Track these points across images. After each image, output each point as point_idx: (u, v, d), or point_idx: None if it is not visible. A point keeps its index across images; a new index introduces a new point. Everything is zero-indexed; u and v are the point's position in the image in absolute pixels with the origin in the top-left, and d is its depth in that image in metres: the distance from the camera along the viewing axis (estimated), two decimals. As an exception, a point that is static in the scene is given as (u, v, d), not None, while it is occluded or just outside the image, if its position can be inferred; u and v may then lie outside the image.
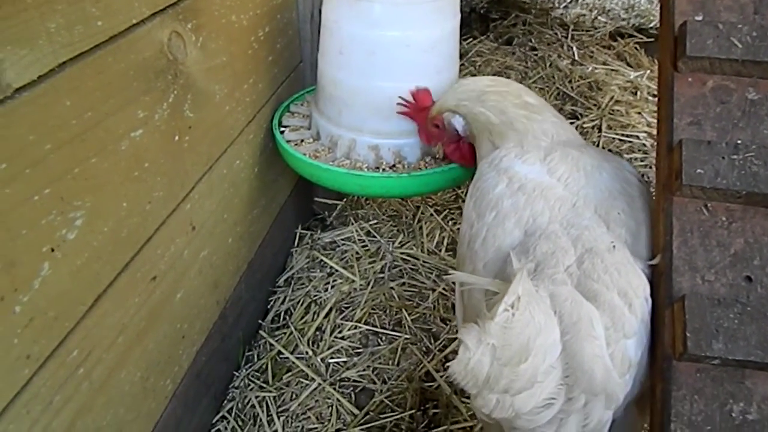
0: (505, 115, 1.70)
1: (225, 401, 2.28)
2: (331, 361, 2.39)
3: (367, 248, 2.88)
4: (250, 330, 2.49)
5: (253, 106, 2.26)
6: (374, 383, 2.30)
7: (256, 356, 2.43)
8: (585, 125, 3.72)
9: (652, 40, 4.69)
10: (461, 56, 4.25)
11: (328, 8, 2.19)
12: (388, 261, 2.79)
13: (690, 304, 1.17)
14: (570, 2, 5.39)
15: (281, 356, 2.41)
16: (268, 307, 2.66)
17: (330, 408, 2.22)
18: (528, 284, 1.19)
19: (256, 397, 2.26)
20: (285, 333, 2.50)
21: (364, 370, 2.34)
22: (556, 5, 5.33)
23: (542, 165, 1.54)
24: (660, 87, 1.51)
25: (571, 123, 3.67)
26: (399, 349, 2.41)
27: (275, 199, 2.62)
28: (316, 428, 2.16)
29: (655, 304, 1.27)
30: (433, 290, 2.66)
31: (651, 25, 4.98)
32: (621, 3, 5.37)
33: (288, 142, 2.34)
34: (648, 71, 4.29)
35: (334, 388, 2.27)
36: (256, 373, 2.37)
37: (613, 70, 4.32)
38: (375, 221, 3.04)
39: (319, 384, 2.28)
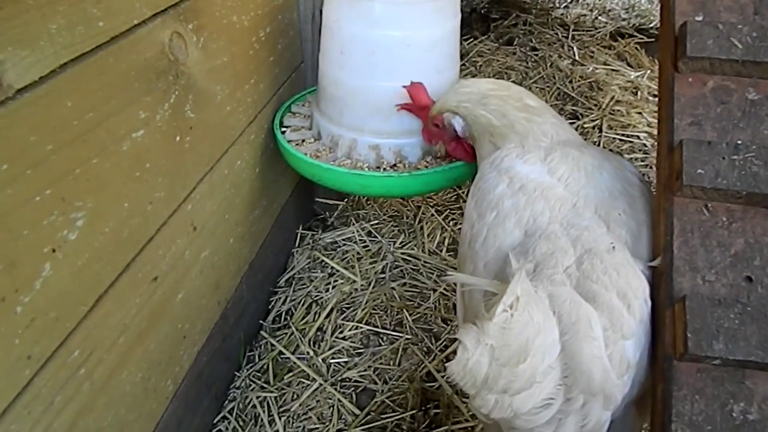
0: (506, 118, 1.72)
1: (226, 401, 2.28)
2: (332, 361, 2.39)
3: (368, 248, 2.88)
4: (251, 330, 2.49)
5: (254, 107, 2.26)
6: (375, 383, 2.30)
7: (257, 356, 2.43)
8: (585, 125, 3.72)
9: (652, 40, 4.69)
10: (462, 56, 4.25)
11: (329, 8, 2.19)
12: (389, 261, 2.80)
13: (691, 305, 1.17)
14: (570, 2, 5.40)
15: (282, 356, 2.41)
16: (270, 307, 2.66)
17: (331, 408, 2.22)
18: (527, 285, 1.19)
19: (258, 397, 2.26)
20: (286, 333, 2.50)
21: (365, 370, 2.35)
22: (557, 5, 5.34)
23: (543, 165, 1.54)
24: (660, 87, 1.51)
25: (572, 123, 3.68)
26: (400, 349, 2.42)
27: (276, 199, 2.62)
28: (317, 428, 2.16)
29: (656, 305, 1.27)
30: (434, 290, 2.66)
31: (651, 25, 4.98)
32: (621, 3, 5.38)
33: (289, 142, 2.34)
34: (648, 71, 4.29)
35: (336, 389, 2.27)
36: (258, 374, 2.37)
37: (613, 70, 4.32)
38: (376, 221, 3.04)
39: (321, 384, 2.28)
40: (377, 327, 2.51)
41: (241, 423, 2.20)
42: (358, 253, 2.84)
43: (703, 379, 1.15)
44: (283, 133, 2.40)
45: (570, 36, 4.75)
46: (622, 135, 3.66)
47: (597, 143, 3.56)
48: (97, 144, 1.36)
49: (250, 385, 2.32)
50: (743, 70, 1.36)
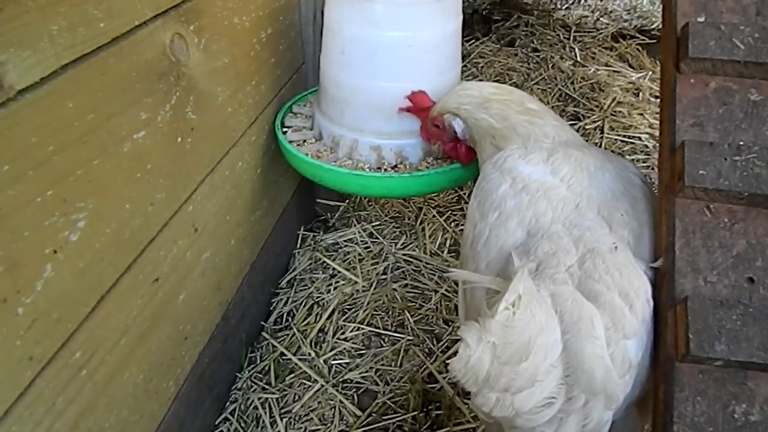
0: (507, 121, 1.73)
1: (228, 403, 2.28)
2: (333, 362, 2.39)
3: (369, 250, 2.88)
4: (252, 331, 2.49)
5: (255, 108, 2.26)
6: (377, 385, 2.30)
7: (258, 358, 2.43)
8: (587, 126, 3.71)
9: (654, 41, 4.69)
10: (463, 57, 4.25)
11: (330, 9, 2.20)
12: (391, 262, 2.79)
13: (692, 306, 1.17)
14: (572, 4, 5.40)
15: (284, 358, 2.41)
16: (271, 308, 2.66)
17: (333, 409, 2.22)
18: (529, 283, 1.19)
19: (259, 398, 2.26)
20: (288, 334, 2.50)
21: (366, 371, 2.34)
22: (559, 7, 5.34)
23: (545, 165, 1.54)
24: (662, 88, 1.51)
25: (574, 124, 3.68)
26: (401, 350, 2.41)
27: (278, 200, 2.62)
28: (318, 430, 2.16)
29: (658, 306, 1.27)
30: (436, 291, 2.66)
31: (653, 27, 4.99)
32: (623, 4, 5.38)
33: (290, 142, 2.34)
34: (650, 72, 4.29)
35: (337, 390, 2.27)
36: (259, 375, 2.37)
37: (615, 71, 4.32)
38: (377, 223, 3.04)
39: (322, 385, 2.28)
40: (379, 328, 2.51)
41: (243, 424, 2.19)
42: (360, 255, 2.84)
43: (704, 381, 1.15)
44: (285, 133, 2.40)
45: (571, 37, 4.75)
46: (624, 136, 3.66)
47: (599, 144, 3.56)
48: (99, 145, 1.36)
49: (252, 387, 2.32)
50: (745, 71, 1.36)
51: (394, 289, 2.66)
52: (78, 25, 1.25)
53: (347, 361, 2.39)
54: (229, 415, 2.23)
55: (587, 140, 3.49)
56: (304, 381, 2.31)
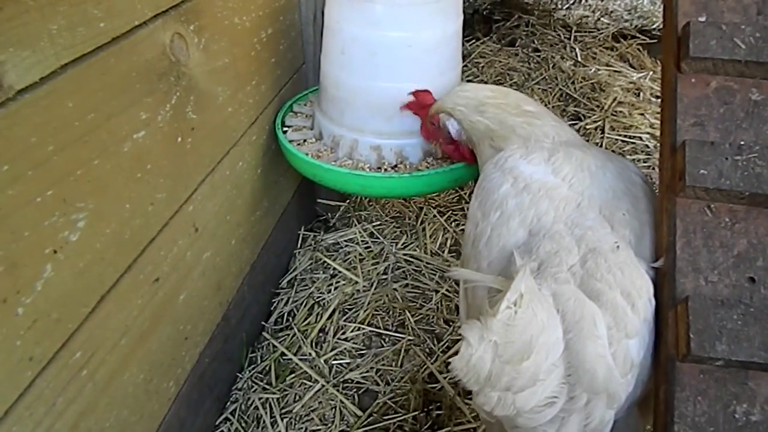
0: (505, 124, 1.73)
1: (228, 403, 2.28)
2: (334, 362, 2.39)
3: (370, 250, 2.88)
4: (253, 331, 2.49)
5: (255, 108, 2.26)
6: (377, 385, 2.30)
7: (259, 358, 2.43)
8: (588, 126, 3.71)
9: (654, 41, 4.69)
10: (464, 58, 4.26)
11: (331, 9, 2.19)
12: (391, 262, 2.79)
13: (693, 306, 1.16)
14: (573, 4, 5.40)
15: (284, 358, 2.41)
16: (271, 308, 2.66)
17: (333, 409, 2.22)
18: (531, 282, 1.19)
19: (260, 398, 2.26)
20: (288, 334, 2.50)
21: (367, 371, 2.34)
22: (559, 7, 5.34)
23: (547, 165, 1.54)
24: (663, 88, 1.51)
25: (574, 124, 3.68)
26: (402, 350, 2.41)
27: (278, 200, 2.62)
28: (319, 430, 2.16)
29: (659, 305, 1.27)
30: (437, 291, 2.66)
31: (653, 27, 4.98)
32: (624, 4, 5.38)
33: (291, 142, 2.34)
34: (651, 72, 4.29)
35: (338, 390, 2.27)
36: (260, 375, 2.36)
37: (615, 71, 4.31)
38: (378, 222, 3.04)
39: (323, 385, 2.28)
40: (379, 328, 2.51)
41: (243, 424, 2.19)
42: (360, 254, 2.84)
43: (705, 380, 1.15)
44: (285, 132, 2.40)
45: (572, 37, 4.75)
46: (625, 136, 3.66)
47: (599, 144, 3.56)
48: (99, 145, 1.36)
49: (252, 387, 2.31)
50: (746, 71, 1.35)
51: (395, 289, 2.66)
52: (78, 24, 1.25)
53: (348, 361, 2.39)
54: (229, 416, 2.22)
55: (588, 140, 3.49)
56: (304, 381, 2.31)
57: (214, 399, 2.16)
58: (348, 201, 3.18)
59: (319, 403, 2.24)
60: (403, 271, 2.76)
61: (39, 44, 1.16)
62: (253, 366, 2.40)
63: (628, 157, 3.43)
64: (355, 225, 3.01)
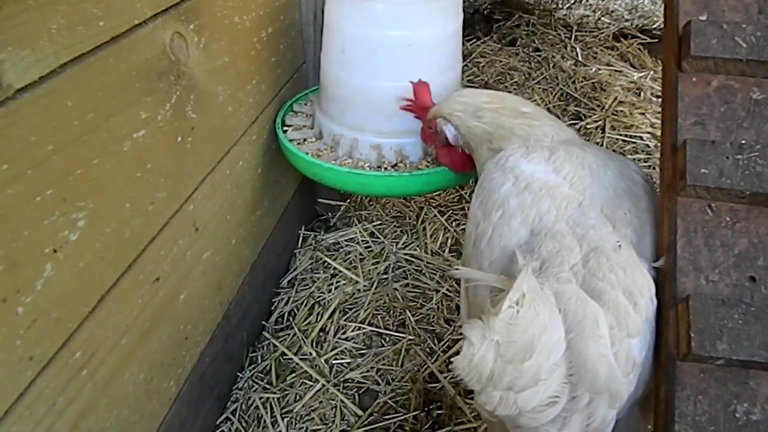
0: (503, 127, 1.73)
1: (229, 402, 2.28)
2: (334, 362, 2.39)
3: (370, 249, 2.87)
4: (253, 331, 2.49)
5: (256, 107, 2.26)
6: (378, 384, 2.30)
7: (259, 357, 2.43)
8: (588, 126, 3.71)
9: (655, 41, 4.69)
10: (465, 57, 4.26)
11: (331, 8, 2.19)
12: (392, 262, 2.79)
13: (694, 305, 1.16)
14: (573, 3, 5.39)
15: (285, 357, 2.41)
16: (272, 308, 2.66)
17: (334, 409, 2.22)
18: (533, 281, 1.18)
19: (260, 398, 2.25)
20: (289, 334, 2.50)
21: (367, 371, 2.34)
22: (560, 6, 5.33)
23: (548, 164, 1.54)
24: (664, 87, 1.51)
25: (575, 124, 3.68)
26: (403, 350, 2.41)
27: (278, 200, 2.62)
28: (319, 429, 2.16)
29: (660, 304, 1.27)
30: (437, 291, 2.66)
31: (654, 26, 4.98)
32: (624, 4, 5.37)
33: (291, 141, 2.34)
34: (651, 72, 4.29)
35: (338, 390, 2.27)
36: (260, 375, 2.36)
37: (616, 70, 4.31)
38: (378, 222, 3.04)
39: (323, 385, 2.28)
40: (380, 328, 2.51)
41: (244, 424, 2.19)
42: (361, 254, 2.84)
43: (706, 380, 1.15)
44: (285, 131, 2.40)
45: (573, 37, 4.75)
46: (625, 136, 3.66)
47: (600, 144, 3.56)
48: (98, 144, 1.36)
49: (253, 386, 2.31)
50: (747, 70, 1.35)
51: (395, 289, 2.66)
52: (77, 23, 1.25)
53: (348, 360, 2.39)
54: (230, 415, 2.22)
55: (588, 140, 3.49)
56: (305, 381, 2.31)
57: (214, 399, 2.16)
58: (348, 200, 3.18)
59: (320, 402, 2.24)
60: (404, 271, 2.76)
61: (38, 43, 1.16)
62: (253, 366, 2.40)
63: (629, 156, 3.43)
64: (356, 224, 3.01)
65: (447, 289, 2.66)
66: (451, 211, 3.12)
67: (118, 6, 1.38)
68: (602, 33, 4.83)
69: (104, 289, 1.44)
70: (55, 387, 1.30)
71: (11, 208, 1.13)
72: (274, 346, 2.45)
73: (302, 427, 2.17)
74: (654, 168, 3.36)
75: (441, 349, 2.40)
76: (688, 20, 1.39)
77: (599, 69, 4.31)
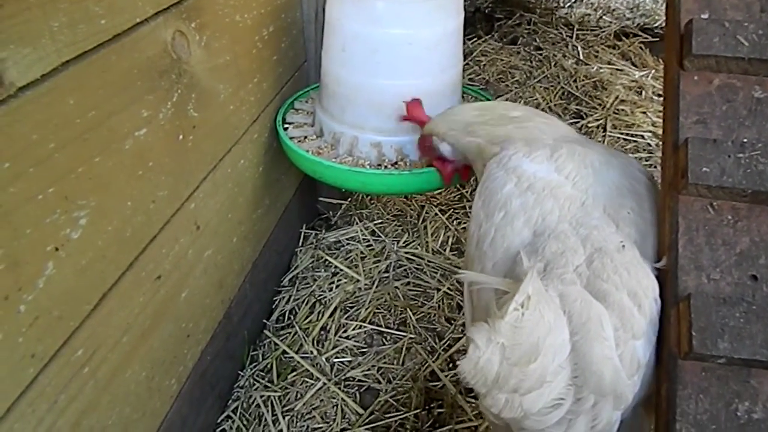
0: (498, 136, 1.74)
1: (230, 401, 2.28)
2: (335, 360, 2.39)
3: (371, 248, 2.88)
4: (255, 329, 2.49)
5: (257, 106, 2.26)
6: (379, 383, 2.30)
7: (261, 356, 2.43)
8: (590, 125, 3.71)
9: (656, 39, 4.69)
10: (466, 56, 4.26)
11: (332, 6, 2.20)
12: (393, 260, 2.79)
13: (695, 303, 1.16)
14: (575, 2, 5.39)
15: (286, 356, 2.41)
16: (273, 306, 2.66)
17: (335, 407, 2.22)
18: (538, 284, 1.18)
19: (261, 396, 2.26)
20: (290, 332, 2.50)
21: (368, 369, 2.34)
22: (561, 5, 5.33)
23: (550, 163, 1.53)
24: (666, 85, 1.50)
25: (576, 122, 3.68)
26: (404, 348, 2.41)
27: (280, 198, 2.62)
28: (321, 428, 2.16)
29: (661, 303, 1.26)
30: (438, 290, 2.66)
31: (656, 25, 4.98)
32: (626, 2, 5.37)
33: (291, 138, 2.35)
34: (653, 71, 4.29)
35: (339, 388, 2.27)
36: (261, 373, 2.37)
37: (618, 69, 4.31)
38: (379, 221, 3.04)
39: (324, 383, 2.28)
40: (381, 326, 2.51)
41: (245, 422, 2.19)
42: (362, 253, 2.84)
43: (707, 378, 1.14)
44: (286, 129, 2.40)
45: (574, 35, 4.75)
46: (627, 134, 3.66)
47: (601, 143, 3.56)
48: (100, 142, 1.36)
49: (254, 385, 2.32)
50: (749, 68, 1.35)
51: (396, 288, 2.66)
52: (79, 21, 1.25)
53: (349, 359, 2.39)
54: (231, 413, 2.23)
55: (590, 138, 3.48)
56: (306, 379, 2.31)
57: (215, 397, 2.16)
58: (349, 199, 3.18)
59: (321, 401, 2.24)
60: (405, 270, 2.76)
61: (40, 41, 1.15)
62: (254, 364, 2.40)
63: (630, 155, 3.43)
64: (357, 223, 3.01)
65: (448, 288, 2.66)
66: (452, 210, 3.12)
67: (119, 4, 1.38)
68: (604, 31, 4.83)
69: (106, 287, 1.45)
70: (57, 385, 1.30)
71: (13, 206, 1.13)
72: (275, 344, 2.45)
73: (303, 426, 2.17)
74: (655, 167, 3.36)
75: (442, 348, 2.40)
76: (689, 19, 1.39)
77: (600, 68, 4.31)
